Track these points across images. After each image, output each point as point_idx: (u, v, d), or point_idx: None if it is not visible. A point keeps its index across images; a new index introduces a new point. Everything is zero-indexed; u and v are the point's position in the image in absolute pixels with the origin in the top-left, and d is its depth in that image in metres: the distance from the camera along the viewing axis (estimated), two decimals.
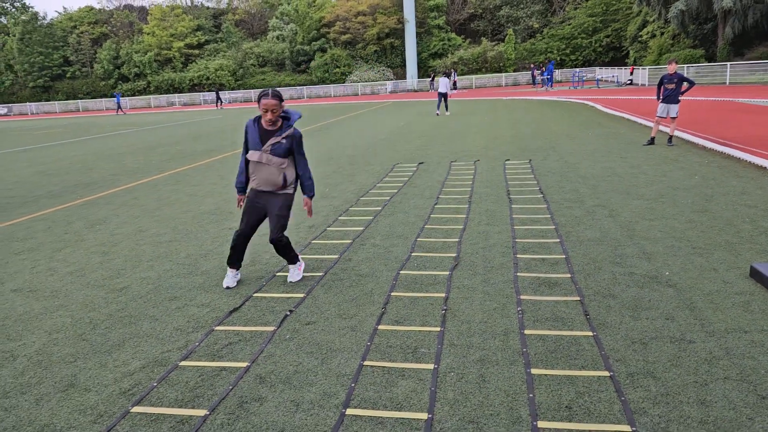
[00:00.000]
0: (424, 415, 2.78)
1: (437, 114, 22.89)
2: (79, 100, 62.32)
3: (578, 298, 4.04)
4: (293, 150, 4.42)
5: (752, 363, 3.06)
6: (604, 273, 4.51)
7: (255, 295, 4.50)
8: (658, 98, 10.90)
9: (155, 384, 3.21)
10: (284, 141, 4.33)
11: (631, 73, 37.27)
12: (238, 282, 4.74)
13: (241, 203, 4.60)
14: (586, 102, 24.03)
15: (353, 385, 3.09)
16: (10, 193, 10.10)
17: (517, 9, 58.66)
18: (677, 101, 10.64)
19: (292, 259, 4.69)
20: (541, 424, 2.66)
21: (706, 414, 2.65)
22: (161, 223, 7.12)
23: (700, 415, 2.64)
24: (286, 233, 4.65)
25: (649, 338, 3.40)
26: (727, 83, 30.38)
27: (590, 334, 3.51)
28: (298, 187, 4.67)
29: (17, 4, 79.60)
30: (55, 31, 67.10)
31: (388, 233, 6.08)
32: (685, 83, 10.56)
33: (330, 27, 58.82)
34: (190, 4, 72.76)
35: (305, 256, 5.43)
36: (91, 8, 70.98)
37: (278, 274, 4.96)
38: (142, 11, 73.71)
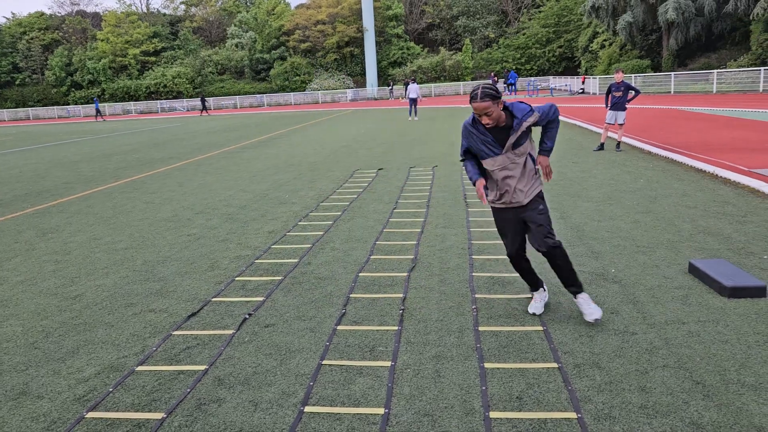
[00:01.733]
0: (381, 410, 2.85)
1: (409, 120, 23.60)
2: (29, 108, 60.40)
3: (530, 296, 4.19)
4: (531, 129, 3.62)
5: (689, 351, 3.25)
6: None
7: (213, 299, 4.50)
8: (607, 106, 11.32)
9: (111, 389, 3.19)
10: (527, 131, 3.57)
11: (583, 83, 38.39)
12: (545, 305, 3.97)
13: (483, 191, 3.66)
14: None
15: (312, 384, 3.14)
16: None
17: (474, 19, 59.78)
18: (624, 108, 11.07)
19: (577, 280, 3.72)
20: (492, 414, 2.76)
21: (646, 399, 2.80)
22: (117, 231, 7.01)
23: (640, 400, 2.80)
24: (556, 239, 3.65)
25: (595, 331, 3.57)
26: (672, 92, 31.61)
27: (541, 328, 3.65)
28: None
29: None
30: (3, 36, 64.99)
31: (347, 237, 6.15)
32: (631, 91, 11.00)
33: (290, 35, 58.74)
34: (145, 11, 71.55)
35: (264, 261, 5.45)
36: (42, 14, 69.04)
37: (237, 278, 4.97)
38: (96, 17, 72.10)
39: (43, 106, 61.67)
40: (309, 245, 5.91)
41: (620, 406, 2.76)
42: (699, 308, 3.82)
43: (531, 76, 53.47)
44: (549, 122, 3.65)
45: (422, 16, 63.18)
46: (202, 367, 3.39)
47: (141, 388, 3.20)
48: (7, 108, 62.03)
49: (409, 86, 24.27)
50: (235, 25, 63.62)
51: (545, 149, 3.71)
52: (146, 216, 7.81)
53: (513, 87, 39.83)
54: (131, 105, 57.45)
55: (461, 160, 3.81)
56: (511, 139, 3.51)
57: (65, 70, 62.31)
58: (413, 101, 23.81)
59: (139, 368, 3.43)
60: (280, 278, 4.92)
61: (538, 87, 42.03)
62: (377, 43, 57.67)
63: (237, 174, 11.37)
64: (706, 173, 8.55)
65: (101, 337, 3.92)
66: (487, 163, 3.64)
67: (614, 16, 39.13)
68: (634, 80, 34.10)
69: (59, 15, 72.01)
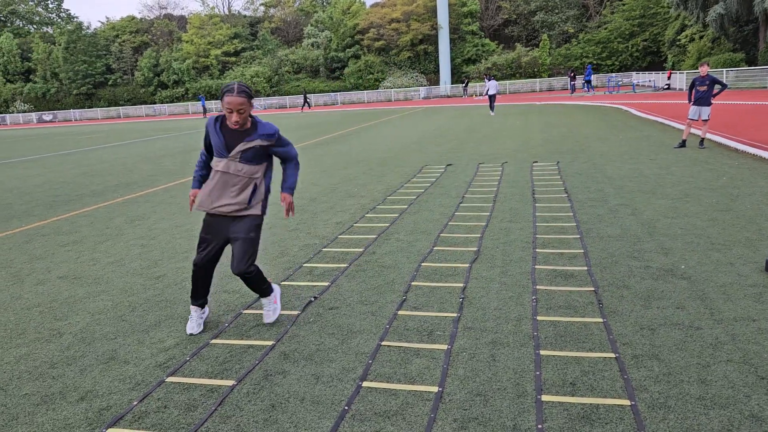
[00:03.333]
0: (435, 389, 2.95)
1: (491, 114, 24.30)
2: (120, 107, 64.31)
3: (593, 289, 4.16)
4: (270, 153, 3.66)
5: (756, 348, 3.15)
6: (621, 266, 4.61)
7: (282, 283, 4.74)
8: (690, 101, 10.83)
9: (188, 358, 3.47)
10: (257, 146, 3.53)
11: (669, 78, 36.66)
12: (205, 324, 3.93)
13: (193, 199, 3.80)
14: (620, 106, 23.80)
15: (370, 362, 3.29)
16: (56, 192, 10.64)
17: (552, 14, 58.27)
18: (709, 104, 10.56)
19: (265, 291, 3.85)
20: (544, 397, 2.81)
21: (705, 391, 2.76)
22: (197, 219, 7.45)
23: (699, 392, 2.76)
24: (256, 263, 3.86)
25: (657, 325, 3.51)
26: None
27: (600, 320, 3.63)
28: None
29: (63, 15, 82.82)
30: (99, 40, 69.52)
31: (412, 229, 6.28)
32: (717, 86, 10.48)
33: (364, 34, 59.43)
34: (227, 13, 74.48)
35: (331, 249, 5.66)
36: (133, 18, 73.32)
37: (305, 265, 5.20)
38: (182, 20, 75.73)
39: (132, 105, 65.51)
40: (375, 236, 6.07)
41: (677, 397, 2.73)
42: None
43: (613, 72, 51.55)
44: (286, 160, 3.74)
45: (498, 12, 62.25)
46: (270, 343, 3.62)
47: (215, 358, 3.46)
48: (101, 107, 66.33)
49: (488, 82, 24.97)
50: (311, 25, 65.10)
51: (287, 187, 3.77)
52: None
53: (589, 84, 38.54)
54: (212, 104, 60.00)
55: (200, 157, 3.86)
56: (240, 146, 3.48)
57: (153, 70, 65.91)
58: (492, 97, 24.50)
59: (213, 341, 3.70)
60: (345, 266, 5.11)
61: (619, 83, 40.46)
62: (451, 41, 57.39)
63: (309, 168, 11.73)
64: None
65: (180, 312, 4.23)
66: (214, 162, 3.64)
67: (704, 7, 37.07)
68: (726, 75, 32.22)
69: (148, 19, 76.27)
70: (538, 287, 4.28)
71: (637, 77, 43.91)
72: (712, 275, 4.28)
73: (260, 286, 3.77)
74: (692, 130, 11.91)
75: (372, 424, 2.69)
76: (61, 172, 13.97)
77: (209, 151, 3.78)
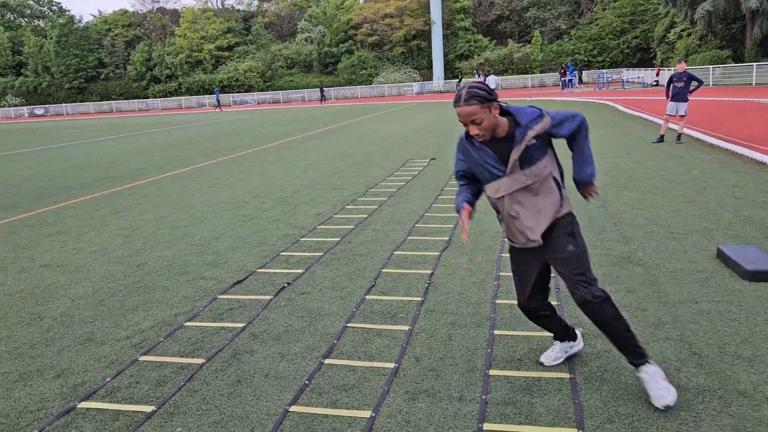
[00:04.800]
0: (392, 365, 3.15)
1: None
2: (112, 101, 64.11)
3: (552, 275, 4.35)
4: (551, 142, 2.73)
5: (694, 327, 3.36)
6: None
7: (258, 270, 4.93)
8: (667, 97, 11.06)
9: (162, 339, 3.65)
10: (535, 141, 2.63)
11: (657, 74, 36.95)
12: (569, 355, 3.10)
13: (466, 218, 2.74)
14: (607, 102, 24.05)
15: (335, 341, 3.48)
16: (44, 185, 10.77)
17: (545, 10, 58.45)
18: (686, 99, 10.78)
19: (637, 346, 2.71)
20: (492, 372, 3.01)
21: None
22: (180, 211, 7.61)
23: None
24: (601, 284, 3.10)
25: None
26: (754, 84, 29.95)
27: (555, 303, 3.83)
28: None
29: (54, 8, 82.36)
30: (91, 33, 69.14)
31: (389, 220, 6.46)
32: (693, 82, 10.70)
33: (357, 29, 59.43)
34: (221, 7, 74.28)
35: (308, 239, 5.84)
36: (126, 11, 72.97)
37: (282, 253, 5.38)
38: (175, 14, 75.42)
39: (125, 99, 65.30)
40: (352, 226, 6.26)
41: (613, 370, 2.94)
42: (716, 290, 3.88)
43: (603, 68, 51.80)
44: (574, 133, 2.74)
45: (491, 8, 62.34)
46: (241, 325, 3.80)
47: (187, 339, 3.64)
48: (93, 101, 66.07)
49: (488, 77, 25.28)
50: (305, 20, 65.02)
51: (585, 177, 2.81)
52: (208, 198, 8.40)
53: (571, 83, 38.87)
54: (205, 99, 59.90)
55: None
56: (515, 154, 2.61)
57: (145, 65, 65.67)
58: None
59: (187, 324, 3.88)
60: (320, 254, 5.29)
61: (609, 79, 40.74)
62: (444, 36, 57.51)
63: (295, 162, 11.90)
64: (765, 165, 8.28)
65: (158, 298, 4.41)
66: (490, 190, 2.75)
67: (693, 4, 37.35)
68: (713, 71, 32.54)
69: (141, 12, 75.89)
70: (501, 273, 4.48)
71: (627, 74, 44.19)
72: (666, 262, 4.50)
73: (620, 323, 2.67)
74: (670, 125, 12.14)
75: (329, 396, 2.88)
76: (49, 166, 14.07)
77: (469, 178, 2.87)
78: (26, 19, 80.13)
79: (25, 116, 63.33)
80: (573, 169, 2.83)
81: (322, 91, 47.75)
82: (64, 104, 64.84)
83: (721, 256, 4.42)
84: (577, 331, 3.11)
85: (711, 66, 33.32)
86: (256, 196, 8.29)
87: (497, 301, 3.93)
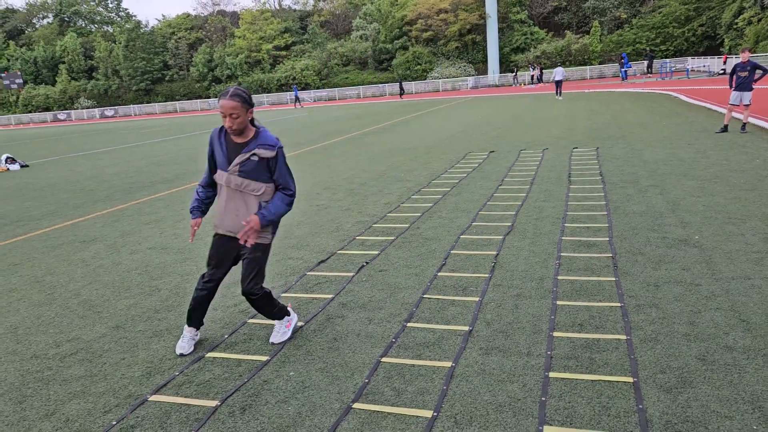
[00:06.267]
0: (466, 328, 3.61)
1: (557, 98, 26.72)
2: (176, 102, 66.86)
3: (611, 255, 4.71)
4: (272, 171, 3.32)
5: (744, 299, 3.67)
6: (640, 237, 5.13)
7: (338, 252, 5.47)
8: (731, 86, 11.00)
9: None
10: (254, 158, 3.24)
11: (725, 63, 35.67)
12: (196, 344, 3.68)
13: (196, 229, 3.51)
14: (669, 92, 23.58)
15: (414, 309, 3.97)
16: (132, 180, 11.75)
17: (604, 0, 57.11)
18: (750, 89, 10.71)
19: (276, 315, 3.62)
20: (555, 334, 3.42)
21: (691, 330, 3.32)
22: None
23: (685, 330, 3.32)
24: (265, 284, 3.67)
25: (662, 282, 4.06)
26: None
27: (613, 279, 4.20)
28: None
29: (122, 14, 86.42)
30: (156, 37, 72.27)
31: (453, 208, 6.91)
32: (758, 71, 10.62)
33: (412, 25, 59.75)
34: (278, 8, 76.12)
35: (380, 225, 6.36)
36: (188, 15, 75.90)
37: (357, 237, 5.92)
38: (234, 16, 77.80)
39: (188, 100, 67.97)
40: (419, 214, 6.74)
41: (666, 333, 3.30)
42: None
43: (667, 57, 50.26)
44: (277, 185, 3.36)
45: (548, 0, 61.45)
46: (330, 296, 4.35)
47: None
48: (159, 102, 69.11)
49: (555, 69, 27.41)
50: (359, 17, 65.85)
51: (263, 215, 3.29)
52: None
53: (625, 74, 38.35)
54: (264, 97, 61.65)
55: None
56: (238, 159, 3.23)
57: (207, 66, 68.16)
58: (559, 83, 26.78)
59: (284, 294, 4.46)
60: (392, 238, 5.80)
61: (672, 69, 39.58)
62: (500, 30, 57.08)
63: (359, 157, 12.47)
64: None
65: None
66: (217, 176, 3.39)
67: None
68: None
69: (202, 15, 78.72)
70: (562, 254, 4.86)
71: (692, 62, 42.76)
72: (722, 244, 4.76)
73: (269, 310, 3.55)
74: (735, 115, 12.02)
75: (414, 350, 3.37)
76: (131, 162, 15.19)
77: (212, 166, 3.46)
78: (96, 26, 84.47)
79: (96, 117, 66.91)
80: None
81: (401, 85, 48.22)
82: (132, 105, 68.08)
83: None
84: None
85: None
86: (326, 188, 8.89)
87: (559, 278, 4.32)
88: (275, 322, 3.67)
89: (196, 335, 3.67)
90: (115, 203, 9.13)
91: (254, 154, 3.22)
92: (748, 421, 2.48)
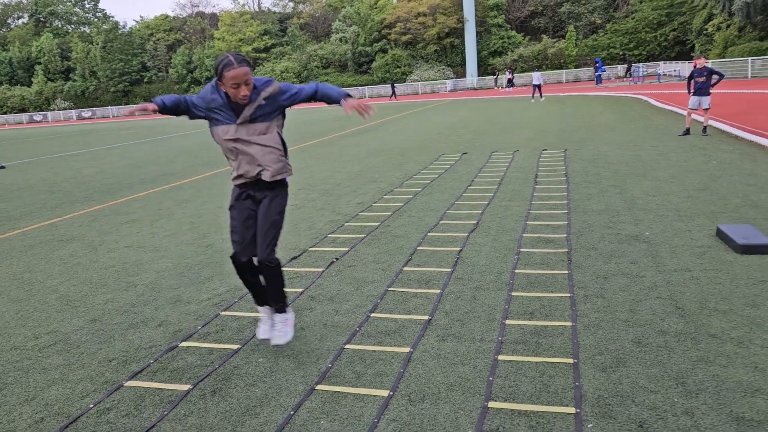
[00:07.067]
0: (426, 317, 3.85)
1: (532, 101, 27.89)
2: None
3: (566, 250, 5.00)
4: (284, 99, 3.22)
5: (683, 289, 3.97)
6: (595, 233, 5.43)
7: (310, 249, 5.69)
8: (689, 91, 11.44)
9: (236, 300, 4.43)
10: (263, 102, 3.15)
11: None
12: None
13: (143, 109, 3.17)
14: (640, 97, 24.19)
15: (379, 301, 4.20)
16: (109, 181, 11.82)
17: (579, 5, 58.09)
18: (708, 93, 11.16)
19: (281, 300, 3.49)
20: (508, 321, 3.69)
21: (631, 317, 3.60)
22: None
23: (626, 317, 3.60)
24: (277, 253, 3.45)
25: (611, 275, 4.35)
26: None
27: (566, 272, 4.48)
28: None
29: (99, 15, 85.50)
30: (134, 38, 71.77)
31: (423, 207, 7.16)
32: (714, 76, 11.07)
33: (391, 28, 60.15)
34: (257, 10, 75.99)
35: (352, 223, 6.59)
36: (167, 16, 75.44)
37: (329, 235, 6.14)
38: (213, 18, 77.53)
39: None
40: (390, 213, 6.98)
41: (608, 320, 3.58)
42: (710, 261, 4.47)
43: (640, 62, 51.29)
44: (311, 93, 3.25)
45: (525, 4, 62.28)
46: (300, 290, 4.56)
47: None
48: (137, 103, 68.57)
49: (534, 74, 29.13)
50: (339, 20, 66.12)
51: (339, 95, 3.19)
52: None
53: (599, 78, 39.29)
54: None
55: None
56: (247, 111, 3.10)
57: (186, 67, 67.88)
58: (537, 86, 28.44)
59: None
60: (363, 236, 6.03)
61: (644, 73, 40.46)
62: (478, 33, 57.74)
63: (334, 158, 12.69)
64: None
65: (227, 270, 5.21)
66: (221, 131, 3.19)
67: None
68: (752, 63, 32.15)
69: (181, 17, 78.30)
70: (521, 250, 5.14)
71: (664, 67, 43.74)
72: (669, 239, 5.08)
73: (281, 286, 3.45)
74: (696, 117, 12.47)
75: (376, 338, 3.61)
76: (110, 164, 15.22)
77: (194, 111, 3.24)
78: (73, 26, 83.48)
79: (73, 119, 66.14)
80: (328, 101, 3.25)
81: (393, 87, 48.18)
82: (110, 107, 67.45)
83: (719, 234, 4.98)
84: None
85: (750, 58, 32.91)
86: (302, 189, 9.09)
87: (516, 271, 4.60)
88: (276, 316, 3.50)
89: (270, 312, 3.58)
90: (93, 204, 9.23)
91: (263, 99, 3.12)
92: (671, 395, 2.76)
